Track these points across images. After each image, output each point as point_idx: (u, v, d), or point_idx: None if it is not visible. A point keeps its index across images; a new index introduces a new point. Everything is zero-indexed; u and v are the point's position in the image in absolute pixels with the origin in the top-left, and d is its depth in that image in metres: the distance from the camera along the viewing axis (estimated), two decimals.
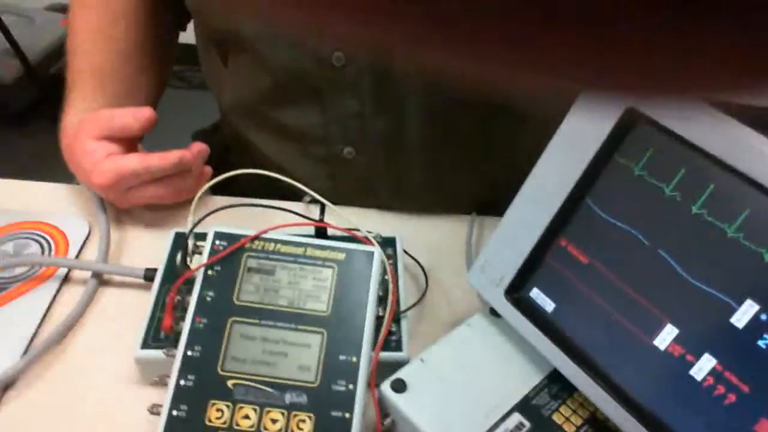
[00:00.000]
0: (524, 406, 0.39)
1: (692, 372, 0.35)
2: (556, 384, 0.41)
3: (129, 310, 0.46)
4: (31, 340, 0.45)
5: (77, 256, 0.51)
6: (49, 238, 0.52)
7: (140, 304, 0.44)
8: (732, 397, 0.33)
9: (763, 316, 0.32)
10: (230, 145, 0.71)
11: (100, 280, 0.49)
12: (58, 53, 1.90)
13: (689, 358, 0.35)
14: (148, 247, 0.52)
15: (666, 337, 0.36)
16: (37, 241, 0.52)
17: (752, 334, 0.33)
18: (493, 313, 0.44)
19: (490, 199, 0.55)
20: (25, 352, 0.44)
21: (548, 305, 0.42)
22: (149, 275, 0.47)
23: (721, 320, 0.34)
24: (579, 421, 0.39)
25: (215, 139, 0.75)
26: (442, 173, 0.59)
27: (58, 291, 0.48)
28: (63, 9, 2.04)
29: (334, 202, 0.50)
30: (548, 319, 0.41)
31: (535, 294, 0.42)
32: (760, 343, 0.32)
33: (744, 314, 0.33)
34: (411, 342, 0.45)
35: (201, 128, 0.79)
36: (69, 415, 0.41)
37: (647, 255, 0.36)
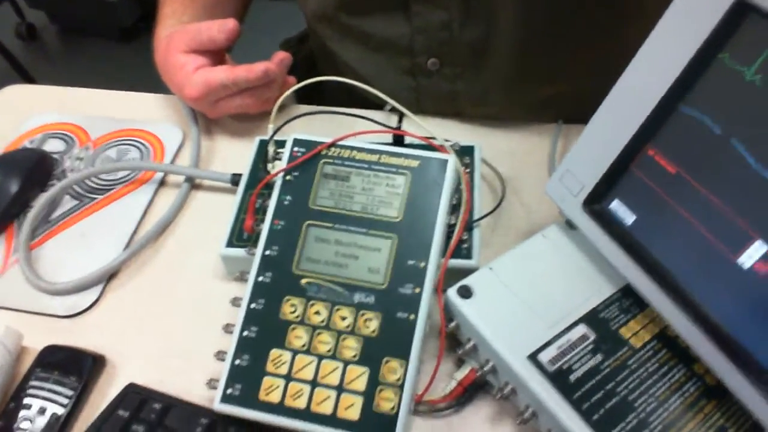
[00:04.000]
0: (591, 319, 0.38)
1: None
2: (627, 299, 0.39)
3: (217, 212, 0.49)
4: (132, 236, 0.49)
5: (172, 162, 0.55)
6: (147, 145, 0.56)
7: (227, 206, 0.47)
8: None
9: None
10: (316, 55, 0.71)
11: (192, 183, 0.53)
12: None
13: None
14: (235, 154, 0.54)
15: (753, 253, 0.34)
16: (137, 147, 0.56)
17: None
18: (570, 225, 0.43)
19: (580, 111, 0.52)
20: (126, 246, 0.49)
21: (628, 217, 0.40)
22: (235, 180, 0.50)
23: None
24: (647, 337, 0.38)
25: (302, 48, 0.75)
26: (529, 86, 0.56)
27: (155, 193, 0.52)
28: None
29: (417, 114, 0.49)
30: (626, 232, 0.40)
31: (616, 206, 0.40)
32: None
33: None
34: (484, 251, 0.45)
35: (288, 37, 0.79)
36: (163, 303, 0.46)
37: (747, 169, 0.33)
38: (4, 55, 1.65)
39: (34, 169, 0.52)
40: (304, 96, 0.71)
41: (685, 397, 0.36)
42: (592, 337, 0.38)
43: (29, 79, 1.68)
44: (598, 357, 0.37)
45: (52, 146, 0.56)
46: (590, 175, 0.40)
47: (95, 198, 0.52)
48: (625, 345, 0.38)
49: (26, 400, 0.39)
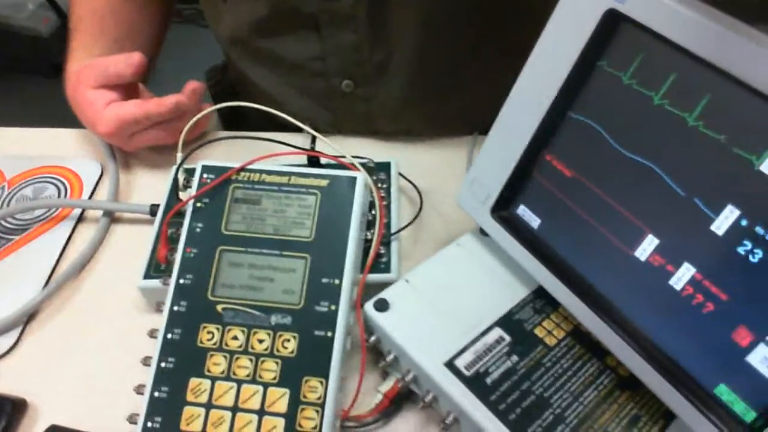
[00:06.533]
0: (506, 321, 0.40)
1: (672, 282, 0.34)
2: (540, 300, 0.41)
3: (138, 244, 0.48)
4: (50, 274, 0.48)
5: (90, 196, 0.54)
6: (65, 181, 0.55)
7: (148, 237, 0.47)
8: (710, 306, 0.33)
9: (744, 222, 0.31)
10: (235, 82, 0.71)
11: (112, 217, 0.52)
12: None
13: (669, 268, 0.35)
14: (154, 184, 0.54)
15: (647, 247, 0.35)
16: (53, 184, 0.55)
17: (732, 240, 0.32)
18: (483, 232, 0.44)
19: (491, 123, 0.54)
20: (45, 284, 0.48)
21: (534, 221, 0.41)
22: (154, 210, 0.49)
23: (701, 228, 0.33)
24: (561, 334, 0.39)
25: (226, 76, 0.75)
26: (439, 100, 0.58)
27: (73, 229, 0.51)
28: None
29: (335, 134, 0.50)
30: (534, 236, 0.41)
31: (522, 211, 0.42)
32: (739, 249, 0.32)
33: (724, 220, 0.32)
34: (406, 263, 0.46)
35: (213, 65, 0.79)
36: (84, 340, 0.45)
37: (631, 166, 0.35)
38: None
39: None
40: (229, 123, 0.72)
41: (600, 389, 0.38)
42: (508, 339, 0.39)
43: None
44: (514, 358, 0.38)
45: None
46: (495, 183, 0.42)
47: (12, 238, 0.51)
48: (539, 344, 0.39)
49: None
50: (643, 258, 0.36)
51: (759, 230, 0.31)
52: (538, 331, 0.40)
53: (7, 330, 0.45)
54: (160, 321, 0.39)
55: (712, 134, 0.32)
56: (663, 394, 0.35)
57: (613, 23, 0.35)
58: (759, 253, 0.31)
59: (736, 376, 0.32)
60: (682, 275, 0.34)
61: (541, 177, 0.41)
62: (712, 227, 0.32)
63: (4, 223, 0.52)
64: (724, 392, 0.33)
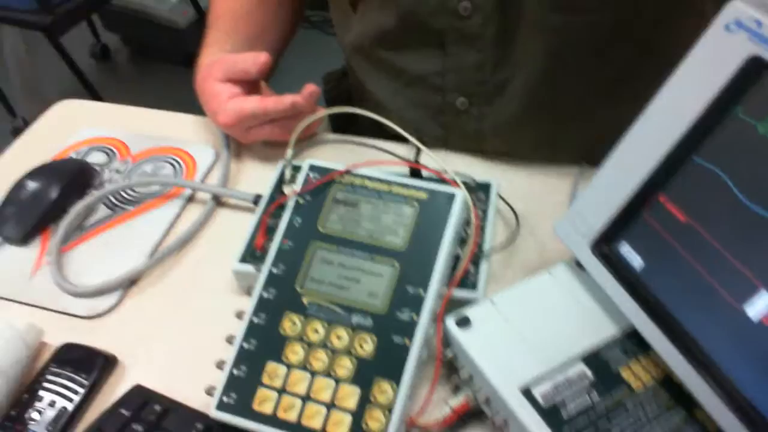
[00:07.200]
0: (591, 358, 0.38)
1: None
2: (631, 341, 0.39)
3: (238, 230, 0.50)
4: (156, 247, 0.52)
5: (203, 180, 0.57)
6: (181, 162, 0.59)
7: (248, 225, 0.49)
8: None
9: None
10: (353, 89, 0.74)
11: (218, 201, 0.55)
12: None
13: None
14: (261, 176, 0.56)
15: (759, 305, 0.33)
16: (171, 164, 0.59)
17: None
18: (579, 265, 0.43)
19: (603, 155, 0.52)
20: (151, 255, 0.51)
21: (636, 262, 0.39)
22: (257, 200, 0.52)
23: None
24: (649, 380, 0.37)
25: (343, 82, 0.78)
26: (554, 126, 0.57)
27: (183, 208, 0.55)
28: None
29: (444, 150, 0.49)
30: (634, 277, 0.39)
31: (625, 250, 0.40)
32: None
33: None
34: (494, 285, 0.45)
35: (331, 70, 0.82)
36: (177, 312, 0.48)
37: (754, 219, 0.33)
38: (75, 72, 1.75)
39: (74, 178, 0.56)
40: (339, 127, 0.74)
41: None
42: (590, 376, 0.37)
43: (97, 96, 1.79)
44: (594, 396, 0.36)
45: (95, 158, 0.60)
46: (600, 217, 0.40)
47: (127, 209, 0.55)
48: (623, 386, 0.37)
49: (39, 393, 0.42)
50: (754, 317, 0.33)
51: None
52: (624, 373, 0.37)
53: (109, 291, 0.49)
54: (249, 304, 0.41)
55: None
56: None
57: (755, 70, 0.33)
58: None
59: None
60: None
61: (651, 218, 0.39)
62: None
63: (123, 194, 0.56)
64: None
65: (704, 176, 0.36)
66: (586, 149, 0.56)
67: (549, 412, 0.35)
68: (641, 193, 0.38)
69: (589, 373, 0.37)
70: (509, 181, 0.52)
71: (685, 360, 0.35)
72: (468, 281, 0.44)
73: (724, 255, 0.34)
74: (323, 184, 0.43)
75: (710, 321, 0.35)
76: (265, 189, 0.51)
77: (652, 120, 0.38)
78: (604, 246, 0.41)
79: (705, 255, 0.35)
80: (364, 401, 0.36)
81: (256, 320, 0.39)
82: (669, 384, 0.37)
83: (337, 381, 0.37)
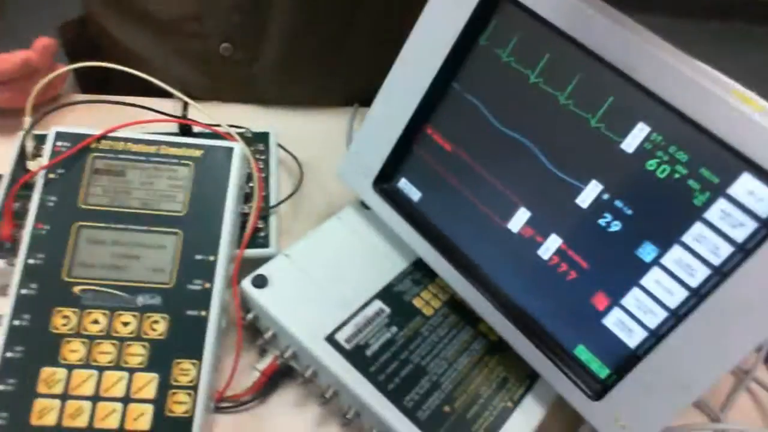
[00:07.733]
0: (386, 294, 0.40)
1: (540, 252, 0.36)
2: (419, 271, 0.41)
3: None
4: None
5: None
6: None
7: None
8: (573, 274, 0.35)
9: (605, 196, 0.33)
10: (95, 43, 0.65)
11: None
12: None
13: (538, 239, 0.36)
14: None
15: (519, 219, 0.37)
16: None
17: (594, 213, 0.34)
18: (364, 206, 0.44)
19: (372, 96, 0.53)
20: None
21: (414, 195, 0.42)
22: None
23: (568, 202, 0.35)
24: (438, 304, 0.40)
25: (86, 32, 0.68)
26: (321, 68, 0.57)
27: None
28: None
29: (213, 101, 0.47)
30: (414, 209, 0.42)
31: (403, 184, 0.42)
32: (600, 221, 0.34)
33: (588, 194, 0.34)
34: (286, 238, 0.45)
35: (68, 20, 0.71)
36: None
37: (507, 141, 0.36)
38: None
39: None
40: (88, 86, 0.65)
41: (472, 355, 0.39)
42: (387, 311, 0.39)
43: None
44: (393, 329, 0.38)
45: None
46: (378, 156, 0.42)
47: None
48: (417, 315, 0.40)
49: None
50: (515, 230, 0.37)
51: (618, 203, 0.33)
52: (417, 302, 0.40)
53: None
54: (6, 306, 0.35)
55: (580, 113, 0.34)
56: (528, 355, 0.37)
57: (493, 2, 0.36)
58: (617, 225, 0.33)
59: (593, 338, 0.35)
60: (550, 245, 0.36)
61: (422, 151, 0.41)
62: (578, 200, 0.34)
63: None
64: (582, 352, 0.36)
65: (462, 105, 0.38)
66: (359, 91, 0.57)
67: (354, 354, 0.37)
68: (410, 128, 0.40)
69: (385, 308, 0.39)
70: (286, 130, 0.51)
71: (464, 278, 0.39)
72: (259, 238, 0.43)
73: (487, 178, 0.38)
74: (77, 153, 0.38)
75: (481, 240, 0.39)
76: (4, 168, 0.43)
77: (410, 56, 0.40)
78: (384, 183, 0.43)
79: (471, 180, 0.39)
80: (165, 386, 0.34)
81: (18, 323, 0.34)
82: (454, 304, 0.41)
83: (131, 371, 0.34)
